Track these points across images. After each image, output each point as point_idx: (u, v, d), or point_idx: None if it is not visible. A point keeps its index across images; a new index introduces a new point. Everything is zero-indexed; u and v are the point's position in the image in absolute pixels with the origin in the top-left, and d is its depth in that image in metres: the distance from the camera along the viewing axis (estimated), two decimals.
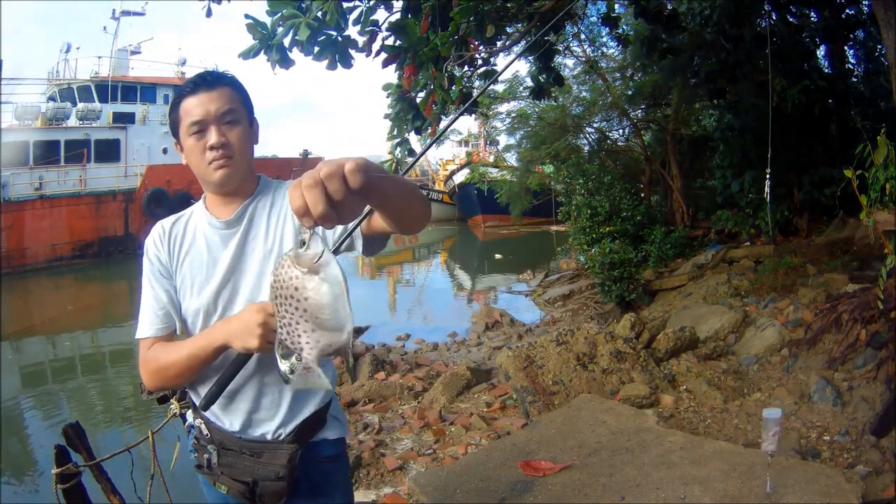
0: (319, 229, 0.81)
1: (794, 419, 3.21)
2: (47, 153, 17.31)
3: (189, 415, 1.45)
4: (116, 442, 5.20)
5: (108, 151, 18.48)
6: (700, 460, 2.50)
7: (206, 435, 1.39)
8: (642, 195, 10.26)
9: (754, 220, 7.27)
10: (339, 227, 1.25)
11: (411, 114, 4.13)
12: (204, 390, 1.34)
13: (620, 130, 12.74)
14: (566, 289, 9.27)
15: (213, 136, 1.28)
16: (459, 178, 24.23)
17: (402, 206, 1.03)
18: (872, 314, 3.56)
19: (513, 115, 12.67)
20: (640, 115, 11.43)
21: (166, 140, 19.62)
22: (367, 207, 1.04)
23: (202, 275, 1.36)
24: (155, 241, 1.40)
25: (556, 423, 3.07)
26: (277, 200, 1.38)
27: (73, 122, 18.36)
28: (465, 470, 2.76)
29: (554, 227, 17.51)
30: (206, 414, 1.37)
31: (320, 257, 0.81)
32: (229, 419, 1.37)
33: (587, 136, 12.51)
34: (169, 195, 18.47)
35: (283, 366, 0.88)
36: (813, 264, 5.56)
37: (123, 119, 19.11)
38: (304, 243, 0.81)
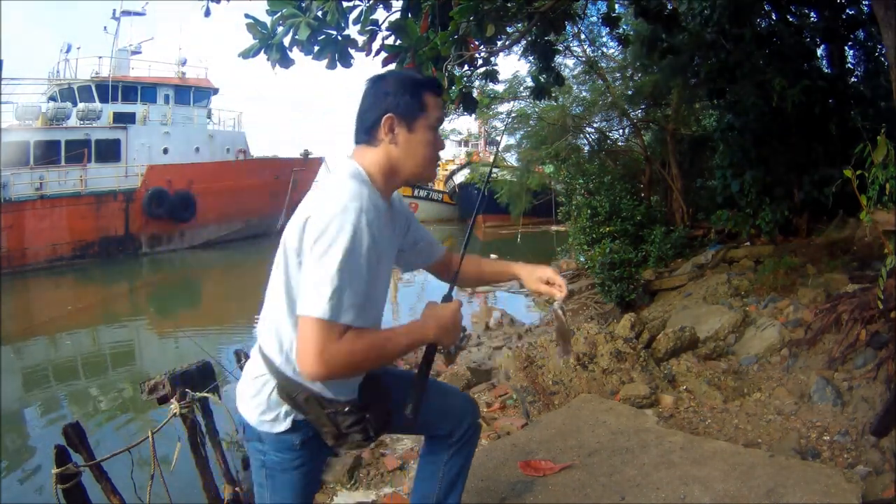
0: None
1: (794, 419, 3.21)
2: (48, 153, 17.31)
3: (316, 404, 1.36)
4: (116, 442, 5.19)
5: (109, 151, 18.48)
6: (700, 460, 2.50)
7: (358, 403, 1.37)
8: (642, 195, 10.24)
9: (754, 220, 7.26)
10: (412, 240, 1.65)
11: None
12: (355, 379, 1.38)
13: (620, 130, 12.75)
14: None
15: (443, 143, 1.46)
16: (459, 178, 24.27)
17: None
18: (872, 314, 3.56)
19: (513, 114, 12.68)
20: (640, 115, 11.43)
21: (167, 140, 19.64)
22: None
23: (383, 263, 1.34)
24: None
25: (556, 423, 3.07)
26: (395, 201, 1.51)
27: (73, 122, 18.36)
28: None
29: (554, 227, 17.49)
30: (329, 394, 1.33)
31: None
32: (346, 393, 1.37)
33: (587, 136, 12.51)
34: (169, 195, 18.48)
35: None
36: (813, 264, 5.55)
37: (124, 119, 19.11)
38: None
